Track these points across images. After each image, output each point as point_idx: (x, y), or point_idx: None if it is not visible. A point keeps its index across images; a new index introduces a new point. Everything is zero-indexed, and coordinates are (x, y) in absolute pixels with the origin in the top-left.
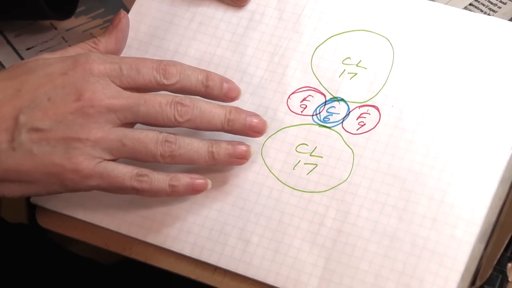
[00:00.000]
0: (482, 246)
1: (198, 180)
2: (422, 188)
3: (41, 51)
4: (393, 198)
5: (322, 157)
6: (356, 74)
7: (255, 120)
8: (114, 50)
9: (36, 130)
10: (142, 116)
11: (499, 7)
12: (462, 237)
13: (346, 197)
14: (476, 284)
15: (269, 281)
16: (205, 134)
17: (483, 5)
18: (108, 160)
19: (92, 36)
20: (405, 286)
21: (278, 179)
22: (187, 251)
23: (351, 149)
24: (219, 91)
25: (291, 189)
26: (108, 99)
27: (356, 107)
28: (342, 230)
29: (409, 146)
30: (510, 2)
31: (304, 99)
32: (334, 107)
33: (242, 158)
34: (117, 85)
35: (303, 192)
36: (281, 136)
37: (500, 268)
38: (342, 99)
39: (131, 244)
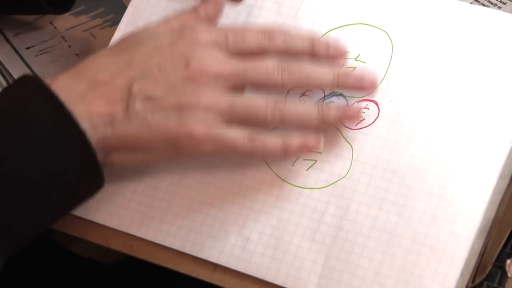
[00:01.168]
0: (481, 242)
1: (311, 140)
2: (421, 184)
3: (40, 50)
4: (392, 194)
5: (321, 153)
6: (355, 68)
7: (366, 82)
8: (214, 12)
9: (149, 98)
10: (250, 82)
11: (499, 7)
12: (461, 233)
13: (345, 193)
14: (475, 280)
15: (269, 278)
16: None
17: (483, 5)
18: (220, 125)
19: (92, 36)
20: (405, 282)
21: (277, 175)
22: (187, 249)
23: (350, 144)
24: (326, 54)
25: (290, 185)
26: (217, 66)
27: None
28: (341, 227)
29: (408, 141)
30: (510, 2)
31: (303, 94)
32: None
33: (353, 117)
34: (224, 52)
35: (302, 189)
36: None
37: (499, 264)
38: (341, 94)
39: (131, 242)
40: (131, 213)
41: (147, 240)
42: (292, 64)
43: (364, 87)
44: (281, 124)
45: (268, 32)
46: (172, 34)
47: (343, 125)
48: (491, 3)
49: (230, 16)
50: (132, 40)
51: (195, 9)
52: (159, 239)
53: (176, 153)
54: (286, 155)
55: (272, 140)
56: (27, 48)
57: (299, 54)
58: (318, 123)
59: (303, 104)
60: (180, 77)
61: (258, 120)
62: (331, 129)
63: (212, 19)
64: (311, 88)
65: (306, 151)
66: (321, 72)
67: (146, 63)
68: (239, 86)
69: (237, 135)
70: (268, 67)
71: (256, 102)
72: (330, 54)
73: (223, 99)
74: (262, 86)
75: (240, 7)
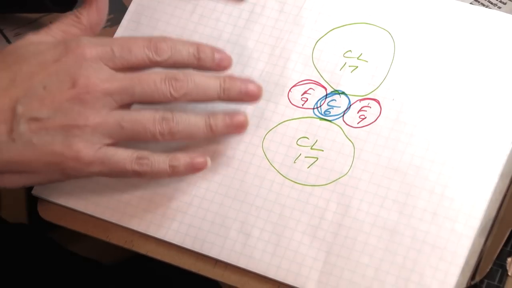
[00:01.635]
0: (482, 240)
1: (198, 159)
2: (423, 182)
3: None
4: (394, 192)
5: (323, 151)
6: (357, 67)
7: (250, 86)
8: (97, 21)
9: (35, 119)
10: (138, 96)
11: (499, 7)
12: (462, 231)
13: (346, 191)
14: (476, 278)
15: (270, 274)
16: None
17: (483, 5)
18: (108, 144)
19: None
20: (405, 279)
21: (279, 172)
22: (188, 244)
23: (351, 142)
24: (212, 62)
25: (292, 182)
26: (103, 83)
27: (357, 100)
28: (343, 224)
29: (409, 139)
30: (510, 2)
31: (305, 92)
32: (335, 100)
33: (240, 127)
34: (110, 67)
35: (304, 186)
36: (282, 130)
37: (500, 262)
38: (343, 92)
39: (132, 237)
40: (132, 208)
41: (148, 236)
42: (179, 75)
43: (249, 90)
44: (171, 139)
45: (154, 43)
46: (57, 49)
47: (232, 133)
48: (491, 3)
49: (233, 14)
50: (15, 54)
51: (77, 15)
52: (160, 234)
53: (62, 175)
54: (175, 176)
55: (159, 161)
56: None
57: (186, 64)
58: (207, 134)
59: (191, 116)
60: (66, 96)
61: (146, 137)
62: (333, 126)
63: (94, 28)
64: (200, 100)
65: (194, 171)
66: (208, 78)
67: (30, 82)
68: (127, 101)
69: (124, 156)
70: (155, 80)
71: (143, 118)
72: (216, 59)
73: (110, 118)
74: (151, 100)
75: (242, 5)
